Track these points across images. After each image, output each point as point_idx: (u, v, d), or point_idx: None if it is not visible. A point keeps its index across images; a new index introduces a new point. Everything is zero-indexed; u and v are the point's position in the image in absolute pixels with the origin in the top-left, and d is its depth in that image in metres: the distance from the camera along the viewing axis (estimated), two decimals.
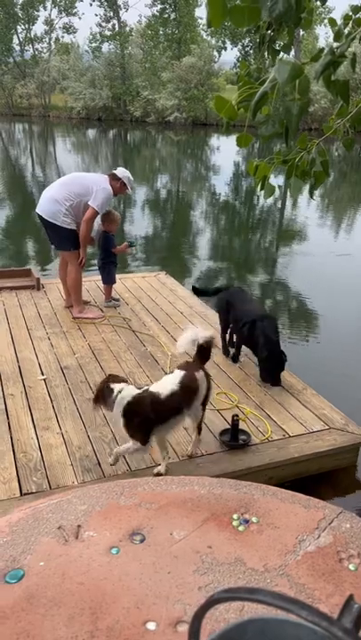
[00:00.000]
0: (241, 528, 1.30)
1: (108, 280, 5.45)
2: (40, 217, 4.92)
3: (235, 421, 3.30)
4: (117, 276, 5.71)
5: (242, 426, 3.41)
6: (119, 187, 4.99)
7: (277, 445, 3.36)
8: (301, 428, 3.57)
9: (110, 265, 5.38)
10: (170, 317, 5.27)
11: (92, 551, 1.22)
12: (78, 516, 1.33)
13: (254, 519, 1.33)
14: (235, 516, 1.34)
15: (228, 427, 3.37)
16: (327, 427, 3.58)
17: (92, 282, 5.85)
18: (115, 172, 4.98)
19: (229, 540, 1.26)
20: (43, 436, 3.35)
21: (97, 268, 5.57)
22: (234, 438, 3.31)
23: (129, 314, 5.31)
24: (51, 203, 4.80)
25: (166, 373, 4.07)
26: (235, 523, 1.32)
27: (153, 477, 1.52)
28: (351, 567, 1.19)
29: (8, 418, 3.52)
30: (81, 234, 4.90)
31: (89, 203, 4.76)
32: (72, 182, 4.90)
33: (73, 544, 1.24)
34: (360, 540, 1.27)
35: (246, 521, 1.33)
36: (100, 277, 5.57)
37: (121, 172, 4.98)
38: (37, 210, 4.93)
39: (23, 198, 14.47)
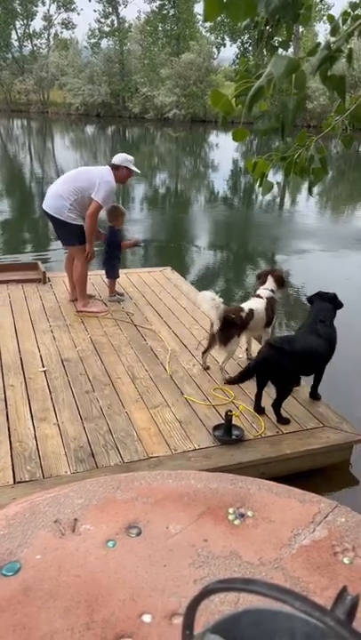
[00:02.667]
0: (237, 522, 1.31)
1: (112, 274, 5.48)
2: (46, 213, 4.95)
3: (228, 417, 3.32)
4: (123, 271, 5.76)
5: (236, 421, 3.42)
6: (125, 174, 5.01)
7: (270, 442, 3.39)
8: (295, 425, 3.59)
9: (115, 260, 5.43)
10: (172, 312, 5.30)
11: (88, 544, 1.22)
12: (75, 509, 1.34)
13: (250, 513, 1.34)
14: (230, 510, 1.35)
15: (223, 422, 3.38)
16: (321, 424, 3.60)
17: (97, 276, 5.88)
18: (113, 162, 5.00)
19: (225, 534, 1.27)
20: (39, 426, 3.41)
21: (102, 262, 5.60)
22: (227, 433, 3.33)
23: (132, 308, 5.34)
24: (55, 198, 4.84)
25: (165, 369, 4.12)
26: (230, 517, 1.33)
27: (149, 472, 1.53)
28: (346, 560, 1.20)
29: (7, 408, 3.57)
30: (87, 228, 4.94)
31: (92, 196, 4.79)
32: (76, 177, 4.93)
33: (69, 537, 1.24)
34: (355, 534, 1.28)
35: (242, 515, 1.33)
36: (103, 271, 5.61)
37: (119, 159, 5.01)
38: (43, 206, 4.97)
39: (23, 193, 14.46)
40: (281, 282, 4.40)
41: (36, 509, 1.34)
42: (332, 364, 3.79)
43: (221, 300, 3.89)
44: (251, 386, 3.94)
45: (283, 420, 3.57)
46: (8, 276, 5.89)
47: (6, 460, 3.06)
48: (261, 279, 4.40)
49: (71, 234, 4.96)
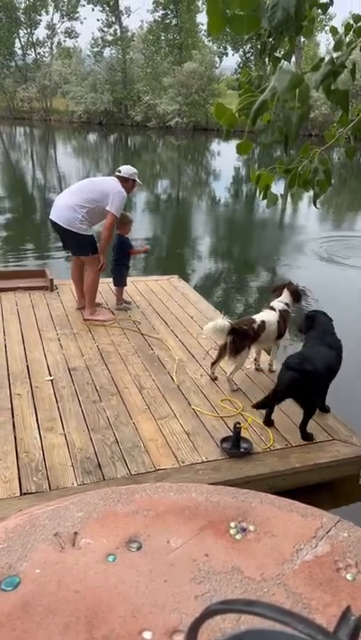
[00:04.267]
0: (238, 536, 1.30)
1: (120, 282, 5.50)
2: (54, 223, 4.98)
3: (237, 429, 3.28)
4: (130, 279, 5.77)
5: (244, 434, 3.38)
6: (131, 185, 5.12)
7: (279, 455, 3.36)
8: None
9: (123, 267, 5.45)
10: (179, 322, 5.30)
11: (88, 559, 1.21)
12: (75, 522, 1.33)
13: (252, 527, 1.33)
14: (232, 524, 1.34)
15: (231, 434, 3.35)
16: (331, 438, 3.56)
17: (104, 284, 5.91)
18: (120, 173, 5.06)
19: (226, 549, 1.26)
20: (46, 436, 3.39)
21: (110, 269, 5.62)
22: (235, 446, 3.29)
23: (139, 317, 5.35)
24: (66, 210, 4.87)
25: (173, 379, 4.10)
26: (232, 531, 1.31)
27: (150, 484, 1.52)
28: (349, 577, 1.19)
29: (13, 417, 3.56)
30: (103, 240, 5.04)
31: (107, 209, 4.88)
32: (87, 189, 4.98)
33: (69, 551, 1.23)
34: (358, 550, 1.27)
35: (243, 529, 1.32)
36: (111, 279, 5.61)
37: (126, 171, 5.11)
38: (52, 217, 4.99)
39: (26, 200, 14.49)
40: (297, 296, 4.39)
41: (35, 522, 1.33)
42: (342, 376, 3.76)
43: (226, 321, 3.86)
44: (260, 397, 3.91)
45: (309, 437, 3.51)
46: (15, 283, 5.91)
47: (13, 471, 3.04)
48: (277, 292, 4.38)
49: (83, 244, 5.00)
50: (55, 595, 1.11)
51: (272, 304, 4.29)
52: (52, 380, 4.03)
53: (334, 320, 3.84)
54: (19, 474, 3.02)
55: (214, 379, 4.20)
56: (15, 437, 3.34)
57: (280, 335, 4.25)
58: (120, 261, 5.37)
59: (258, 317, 4.08)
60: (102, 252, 5.07)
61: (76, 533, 1.29)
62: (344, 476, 3.48)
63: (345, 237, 11.26)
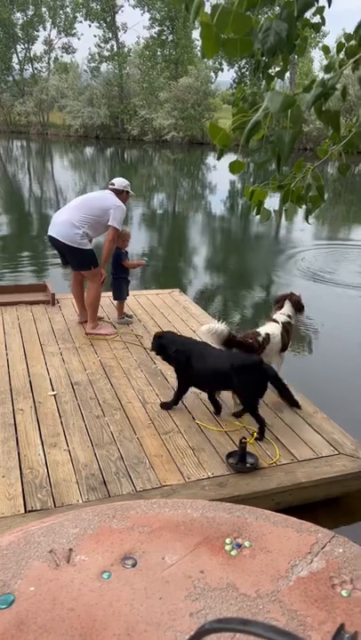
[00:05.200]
0: (233, 552, 1.30)
1: (119, 296, 5.49)
2: (54, 240, 5.00)
3: (242, 444, 3.23)
4: (132, 293, 5.71)
5: (249, 448, 3.33)
6: (124, 196, 5.19)
7: (285, 470, 3.29)
8: (310, 452, 3.49)
9: (122, 281, 5.45)
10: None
11: (83, 576, 1.21)
12: (70, 539, 1.33)
13: (247, 543, 1.33)
14: (227, 540, 1.34)
15: (236, 449, 3.30)
16: (337, 452, 3.50)
17: (105, 297, 5.88)
18: (114, 186, 5.13)
19: (222, 565, 1.26)
20: (50, 452, 3.33)
21: (110, 284, 5.62)
22: (241, 461, 3.24)
23: (141, 330, 5.32)
24: (66, 226, 4.90)
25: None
26: (227, 547, 1.31)
27: (145, 500, 1.51)
28: (344, 593, 1.19)
29: (17, 433, 3.51)
30: (104, 253, 5.10)
31: (109, 223, 4.95)
32: (86, 205, 5.02)
33: (64, 568, 1.23)
34: (353, 566, 1.27)
35: (239, 545, 1.32)
36: (112, 293, 5.61)
37: (120, 183, 5.19)
38: (51, 233, 5.01)
39: (22, 214, 14.54)
40: (299, 307, 4.34)
41: (30, 539, 1.32)
42: (348, 389, 3.69)
43: (223, 325, 3.81)
44: (265, 411, 3.83)
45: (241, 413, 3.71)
46: (17, 297, 5.88)
47: (17, 488, 2.98)
48: (279, 303, 4.33)
49: (84, 259, 5.03)
50: (50, 613, 1.11)
51: (274, 316, 4.24)
52: (54, 395, 3.99)
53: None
54: (23, 491, 2.95)
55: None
56: (19, 453, 3.27)
57: (284, 347, 4.20)
58: (117, 275, 5.39)
59: (262, 330, 4.01)
60: (103, 266, 5.12)
61: (70, 550, 1.29)
62: (351, 492, 3.40)
63: (336, 246, 11.39)
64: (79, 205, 5.01)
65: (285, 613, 1.13)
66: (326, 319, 6.91)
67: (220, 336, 3.77)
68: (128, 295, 5.60)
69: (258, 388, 3.61)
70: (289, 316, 4.24)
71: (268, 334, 3.99)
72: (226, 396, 4.07)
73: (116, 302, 5.58)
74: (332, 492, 3.34)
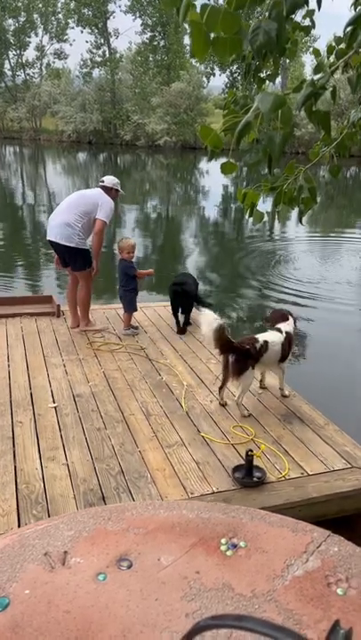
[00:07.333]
0: (229, 553, 1.29)
1: (130, 308, 5.43)
2: (54, 244, 5.09)
3: (249, 457, 3.12)
4: (139, 305, 5.63)
5: (257, 461, 3.22)
6: (113, 194, 5.30)
7: (295, 484, 3.15)
8: (322, 466, 3.35)
9: (131, 292, 5.39)
10: (188, 347, 5.17)
11: (78, 578, 1.20)
12: (65, 541, 1.32)
13: (242, 543, 1.32)
14: (223, 541, 1.33)
15: (243, 462, 3.18)
16: (350, 465, 3.36)
17: (111, 309, 5.82)
18: (104, 183, 5.25)
19: (217, 565, 1.25)
20: (47, 466, 3.24)
21: (119, 296, 5.54)
22: (248, 475, 3.12)
23: (147, 342, 5.25)
24: (63, 227, 5.02)
25: (181, 405, 3.99)
26: (223, 547, 1.31)
27: (140, 502, 1.51)
28: (339, 592, 1.19)
29: (14, 446, 3.41)
30: (94, 246, 5.19)
31: (97, 216, 5.09)
32: (77, 203, 5.13)
33: (59, 571, 1.22)
34: (348, 564, 1.27)
35: (234, 545, 1.32)
36: (119, 305, 5.58)
37: (110, 180, 5.30)
38: (51, 237, 5.12)
39: (16, 220, 14.51)
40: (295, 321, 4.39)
41: (25, 542, 1.31)
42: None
43: (219, 320, 3.77)
44: (273, 423, 3.79)
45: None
46: (21, 309, 5.84)
47: (11, 503, 2.89)
48: (283, 317, 4.31)
49: (82, 258, 5.15)
50: (45, 615, 1.10)
51: (278, 325, 4.18)
52: (55, 407, 3.90)
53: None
54: (17, 507, 2.86)
55: (224, 404, 4.05)
56: (15, 468, 3.19)
57: (284, 357, 4.12)
58: (127, 287, 5.30)
59: (261, 337, 3.95)
60: (95, 259, 5.18)
61: (66, 552, 1.28)
62: None
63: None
64: (71, 205, 5.12)
65: (281, 613, 1.13)
66: (339, 331, 6.91)
67: (210, 325, 3.74)
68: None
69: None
70: (292, 329, 4.22)
71: (266, 341, 3.92)
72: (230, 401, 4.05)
73: (124, 314, 5.49)
74: (345, 507, 3.17)
